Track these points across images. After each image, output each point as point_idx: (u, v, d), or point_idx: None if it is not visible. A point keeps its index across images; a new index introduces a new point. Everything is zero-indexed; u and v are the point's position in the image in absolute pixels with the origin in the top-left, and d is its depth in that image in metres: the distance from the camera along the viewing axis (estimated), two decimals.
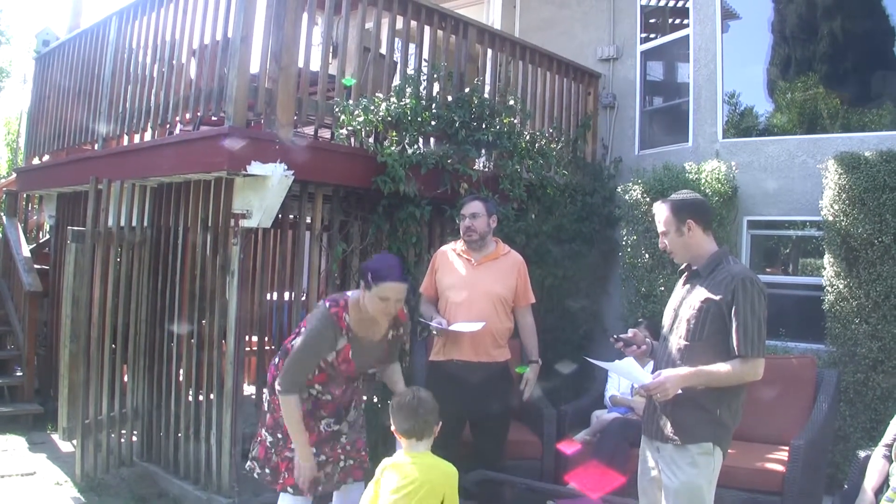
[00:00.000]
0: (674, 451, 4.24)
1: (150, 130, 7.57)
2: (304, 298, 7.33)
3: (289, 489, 4.82)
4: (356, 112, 6.80)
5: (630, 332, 4.71)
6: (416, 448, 4.35)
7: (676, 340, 4.34)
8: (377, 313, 4.76)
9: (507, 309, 5.97)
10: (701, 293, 4.27)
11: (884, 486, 5.39)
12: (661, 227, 4.45)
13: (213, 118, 7.01)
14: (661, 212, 4.46)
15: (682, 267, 4.54)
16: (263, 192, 6.14)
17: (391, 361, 5.19)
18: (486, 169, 7.97)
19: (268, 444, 4.95)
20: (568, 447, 6.47)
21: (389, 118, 6.90)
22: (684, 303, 4.39)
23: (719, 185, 7.78)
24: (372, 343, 4.93)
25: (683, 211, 4.39)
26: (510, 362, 6.03)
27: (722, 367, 4.13)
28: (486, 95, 8.06)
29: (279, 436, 4.89)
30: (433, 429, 4.37)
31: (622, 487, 5.82)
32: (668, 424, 4.27)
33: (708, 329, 4.21)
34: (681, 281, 4.57)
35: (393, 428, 4.43)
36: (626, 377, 4.71)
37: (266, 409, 5.07)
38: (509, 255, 6.12)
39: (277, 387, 4.72)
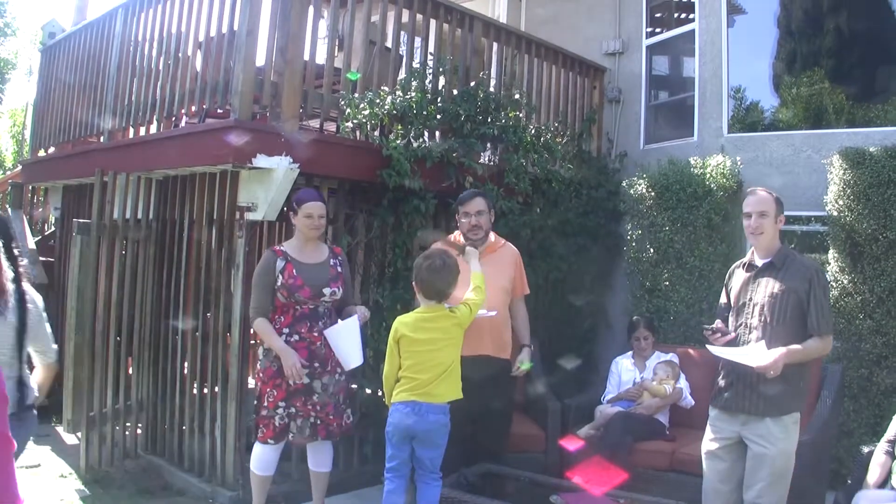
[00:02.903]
0: (771, 424, 4.87)
1: (155, 123, 7.57)
2: None
3: (269, 441, 5.63)
4: (361, 105, 6.80)
5: (718, 323, 5.22)
6: (436, 303, 5.25)
7: (762, 324, 4.96)
8: (308, 229, 5.67)
9: (509, 299, 6.03)
10: (780, 282, 4.95)
11: (886, 481, 5.41)
12: (760, 208, 5.04)
13: (219, 111, 7.02)
14: (766, 196, 5.11)
15: (746, 261, 5.23)
16: (269, 185, 6.15)
17: (347, 299, 5.93)
18: (492, 163, 7.96)
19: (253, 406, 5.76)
20: (571, 444, 6.49)
21: (395, 112, 6.90)
22: (759, 291, 5.02)
23: (724, 180, 7.78)
24: (317, 265, 5.74)
25: (781, 206, 5.12)
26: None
27: (810, 344, 4.86)
28: (491, 89, 8.06)
29: (255, 402, 5.72)
30: (451, 290, 5.24)
31: (625, 482, 5.85)
32: (763, 400, 4.88)
33: (790, 313, 4.89)
34: (744, 274, 5.18)
35: (416, 286, 5.30)
36: (745, 361, 4.91)
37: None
38: (506, 247, 6.16)
39: (252, 323, 5.72)
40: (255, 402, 5.70)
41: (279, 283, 5.56)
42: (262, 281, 5.63)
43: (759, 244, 5.10)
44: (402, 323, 5.24)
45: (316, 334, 5.59)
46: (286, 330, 5.58)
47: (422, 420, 5.07)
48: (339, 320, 5.70)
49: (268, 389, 5.58)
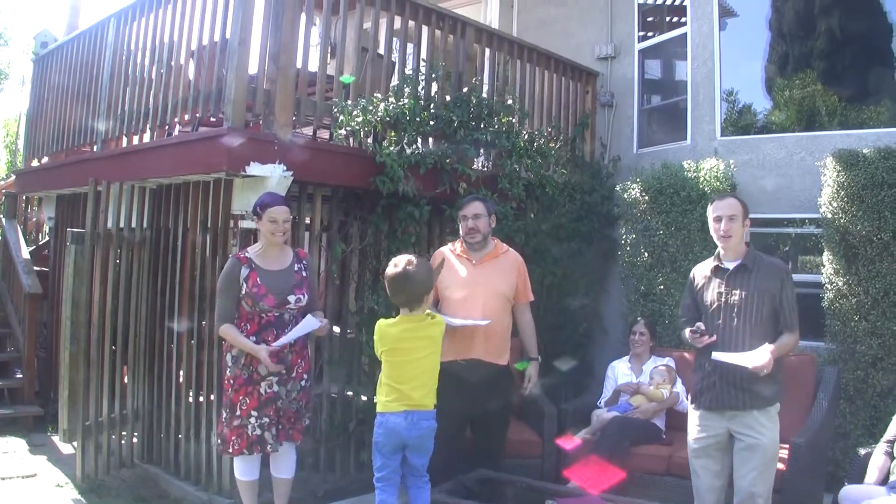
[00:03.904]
0: (759, 415, 5.09)
1: (149, 132, 7.57)
2: None
3: (244, 452, 5.54)
4: (355, 112, 6.80)
5: (700, 326, 5.26)
6: (413, 311, 5.18)
7: (741, 324, 5.15)
8: (272, 234, 5.57)
9: (509, 306, 6.02)
10: (754, 283, 5.16)
11: (884, 483, 5.41)
12: (730, 212, 5.21)
13: (212, 119, 7.02)
14: (734, 201, 5.31)
15: (713, 265, 5.37)
16: (262, 192, 6.14)
17: (313, 305, 5.82)
18: (485, 168, 7.97)
19: (223, 419, 5.66)
20: (567, 443, 6.50)
21: (388, 118, 6.90)
22: (735, 293, 5.20)
23: (718, 184, 7.79)
24: (281, 271, 5.64)
25: (747, 210, 5.30)
26: (510, 360, 6.07)
27: (785, 340, 5.09)
28: (484, 95, 8.04)
29: (227, 411, 5.59)
30: (423, 297, 5.16)
31: (622, 485, 5.85)
32: (748, 395, 5.09)
33: (766, 311, 5.12)
34: (715, 278, 5.34)
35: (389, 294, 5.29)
36: (744, 363, 4.98)
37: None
38: (509, 254, 6.16)
39: (216, 328, 5.67)
40: (226, 411, 5.59)
41: (244, 292, 5.51)
42: (226, 288, 5.56)
43: (728, 247, 5.27)
44: (385, 333, 5.22)
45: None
46: (252, 338, 5.51)
47: (415, 427, 5.07)
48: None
49: (240, 398, 5.51)
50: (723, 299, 5.22)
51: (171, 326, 6.93)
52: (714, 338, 5.17)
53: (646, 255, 8.07)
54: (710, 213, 5.32)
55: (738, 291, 5.18)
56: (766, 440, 5.06)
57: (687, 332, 5.27)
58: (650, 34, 10.07)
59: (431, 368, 5.19)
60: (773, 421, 5.12)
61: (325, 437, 6.83)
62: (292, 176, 6.28)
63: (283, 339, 5.46)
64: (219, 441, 5.67)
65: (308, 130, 7.67)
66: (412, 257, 5.24)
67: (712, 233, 5.32)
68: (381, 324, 5.28)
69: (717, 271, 5.32)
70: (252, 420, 5.48)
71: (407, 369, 5.15)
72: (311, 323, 5.56)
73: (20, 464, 7.50)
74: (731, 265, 5.25)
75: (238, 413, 5.50)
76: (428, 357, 5.17)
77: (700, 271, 5.49)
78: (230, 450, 5.56)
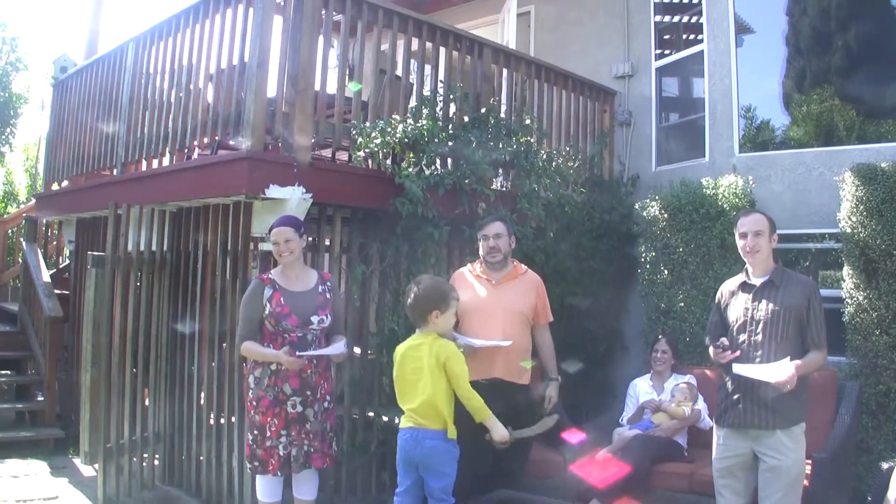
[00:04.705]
0: (782, 435, 5.04)
1: (168, 155, 7.62)
2: None
3: (278, 473, 5.57)
4: (373, 134, 6.81)
5: (724, 341, 5.24)
6: (422, 331, 5.24)
7: (765, 340, 5.11)
8: (280, 255, 5.66)
9: (529, 326, 6.01)
10: (781, 300, 5.13)
11: None
12: (756, 227, 5.22)
13: (231, 142, 7.05)
14: (760, 216, 5.32)
15: (741, 281, 5.37)
16: (282, 215, 6.16)
17: (336, 328, 5.88)
18: (504, 188, 7.96)
19: (250, 441, 5.63)
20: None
21: (406, 140, 6.90)
22: (761, 309, 5.18)
23: (737, 200, 7.77)
24: (305, 293, 5.71)
25: (774, 225, 5.29)
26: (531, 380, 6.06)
27: (812, 358, 5.05)
28: (502, 115, 8.07)
29: (255, 432, 5.60)
30: (427, 316, 5.16)
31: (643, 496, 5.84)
32: (772, 413, 5.04)
33: (792, 329, 5.08)
34: (743, 294, 5.32)
35: None
36: (767, 377, 4.96)
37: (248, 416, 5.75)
38: (528, 274, 6.17)
39: (237, 348, 5.76)
40: (256, 432, 5.58)
41: (267, 312, 5.56)
42: (249, 308, 5.62)
43: (756, 263, 5.27)
44: (397, 349, 5.33)
45: (306, 362, 5.54)
46: None
47: (419, 445, 5.05)
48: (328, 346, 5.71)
49: (269, 419, 5.54)
50: (748, 315, 5.21)
51: (192, 349, 6.96)
52: (738, 353, 5.14)
53: (665, 272, 8.05)
54: (737, 229, 5.32)
55: (764, 307, 5.16)
56: (790, 461, 5.02)
57: (711, 348, 5.25)
58: (667, 52, 10.10)
59: (430, 391, 5.07)
60: (797, 441, 5.07)
61: (346, 458, 6.81)
62: (312, 198, 6.31)
63: (312, 353, 5.49)
64: (256, 464, 5.61)
65: (327, 152, 7.70)
66: (423, 276, 5.39)
67: (739, 249, 5.32)
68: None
69: (744, 287, 5.32)
70: (282, 440, 5.52)
71: (406, 386, 5.18)
72: (339, 348, 5.62)
73: (42, 486, 7.52)
74: (758, 281, 5.24)
75: (268, 434, 5.53)
76: (425, 379, 5.10)
77: (727, 287, 5.48)
78: (268, 468, 5.56)
